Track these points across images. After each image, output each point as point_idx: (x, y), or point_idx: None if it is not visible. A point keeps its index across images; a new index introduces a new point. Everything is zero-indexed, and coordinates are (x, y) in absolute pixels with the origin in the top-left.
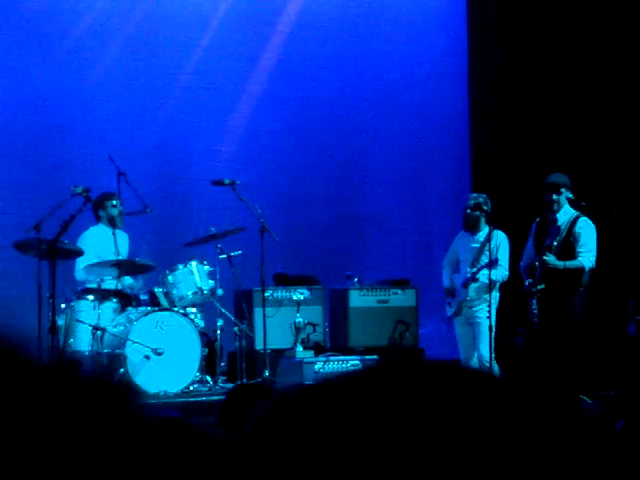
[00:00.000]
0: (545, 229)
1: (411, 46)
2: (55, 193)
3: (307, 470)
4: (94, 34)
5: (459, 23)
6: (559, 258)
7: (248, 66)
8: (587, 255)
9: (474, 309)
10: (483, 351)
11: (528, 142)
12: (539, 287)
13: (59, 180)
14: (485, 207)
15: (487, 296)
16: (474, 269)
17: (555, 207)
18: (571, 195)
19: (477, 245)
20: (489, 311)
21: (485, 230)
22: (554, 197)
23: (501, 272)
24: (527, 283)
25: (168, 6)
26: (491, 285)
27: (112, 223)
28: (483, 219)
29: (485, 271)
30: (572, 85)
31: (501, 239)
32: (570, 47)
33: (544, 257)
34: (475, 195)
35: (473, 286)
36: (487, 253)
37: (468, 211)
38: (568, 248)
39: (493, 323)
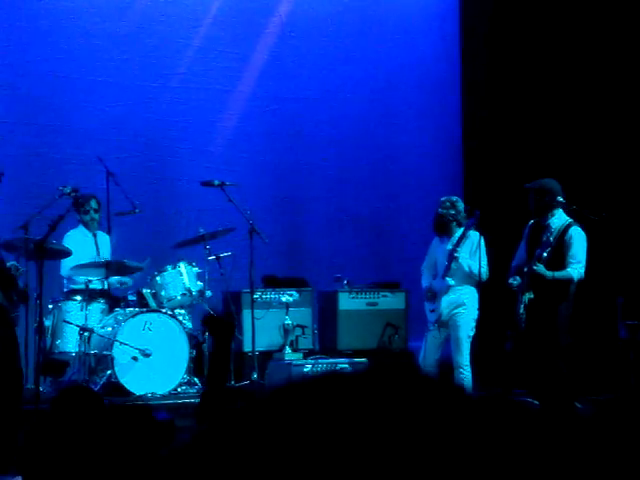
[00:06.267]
0: (538, 234)
1: (403, 47)
2: (43, 193)
3: (290, 469)
4: (86, 34)
5: (452, 27)
6: (549, 268)
7: (239, 66)
8: (576, 266)
9: (451, 313)
10: (460, 357)
11: (521, 146)
12: (528, 296)
13: (47, 180)
14: (452, 211)
15: (466, 299)
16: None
17: (541, 212)
18: (562, 199)
19: (451, 247)
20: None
21: (459, 232)
22: (539, 202)
23: (480, 269)
24: (515, 283)
25: (160, 7)
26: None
27: (86, 226)
28: (453, 223)
29: (466, 261)
30: (564, 90)
31: (476, 240)
32: (561, 52)
33: (534, 267)
34: (443, 199)
35: (446, 298)
36: (455, 253)
37: (435, 216)
38: (558, 257)
39: (472, 327)
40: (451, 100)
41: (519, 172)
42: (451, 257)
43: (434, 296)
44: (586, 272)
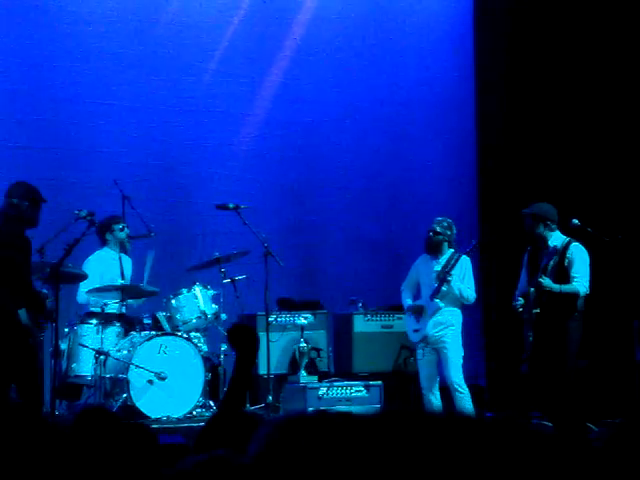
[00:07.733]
0: (537, 256)
1: (418, 69)
2: (59, 217)
3: None
4: (102, 58)
5: (467, 47)
6: (555, 282)
7: (255, 89)
8: (581, 281)
9: (439, 334)
10: (454, 377)
11: (537, 168)
12: (534, 311)
13: (63, 203)
14: (449, 232)
15: (454, 320)
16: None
17: (540, 239)
18: (554, 225)
19: (439, 268)
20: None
21: (448, 254)
22: (537, 229)
23: (469, 293)
24: (519, 303)
25: (176, 31)
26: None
27: (121, 247)
28: (446, 244)
29: (457, 284)
30: (582, 108)
31: (466, 264)
32: (579, 70)
33: (540, 279)
34: (440, 219)
35: (432, 320)
36: (448, 276)
37: (430, 234)
38: (562, 272)
39: (460, 345)
40: (466, 120)
41: (535, 194)
42: (442, 279)
43: (421, 312)
44: (601, 294)
